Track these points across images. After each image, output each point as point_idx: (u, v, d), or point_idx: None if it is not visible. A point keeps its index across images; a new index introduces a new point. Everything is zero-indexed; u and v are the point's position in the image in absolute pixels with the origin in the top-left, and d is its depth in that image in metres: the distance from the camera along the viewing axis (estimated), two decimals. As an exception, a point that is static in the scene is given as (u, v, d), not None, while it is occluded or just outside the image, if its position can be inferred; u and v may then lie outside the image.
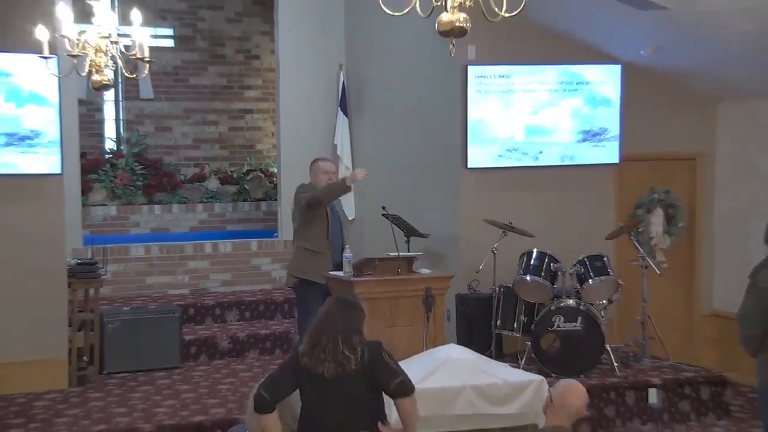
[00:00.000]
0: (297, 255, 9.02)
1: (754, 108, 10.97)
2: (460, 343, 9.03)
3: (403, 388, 5.52)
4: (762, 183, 10.80)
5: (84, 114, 12.40)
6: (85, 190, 12.38)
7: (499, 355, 9.63)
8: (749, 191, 10.94)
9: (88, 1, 6.81)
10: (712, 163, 11.41)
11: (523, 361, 9.49)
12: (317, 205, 9.02)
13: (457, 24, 4.24)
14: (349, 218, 11.01)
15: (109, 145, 13.43)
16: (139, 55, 6.78)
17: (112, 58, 6.73)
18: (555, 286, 9.69)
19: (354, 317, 5.68)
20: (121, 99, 13.43)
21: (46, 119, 9.21)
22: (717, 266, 11.36)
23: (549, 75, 10.56)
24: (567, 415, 5.22)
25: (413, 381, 7.00)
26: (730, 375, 9.79)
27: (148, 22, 7.11)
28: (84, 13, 6.83)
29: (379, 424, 5.45)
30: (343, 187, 9.23)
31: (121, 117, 13.53)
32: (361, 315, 5.74)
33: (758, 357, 6.79)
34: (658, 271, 10.13)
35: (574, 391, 5.29)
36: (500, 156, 10.46)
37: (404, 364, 7.81)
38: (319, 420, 5.48)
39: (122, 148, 13.30)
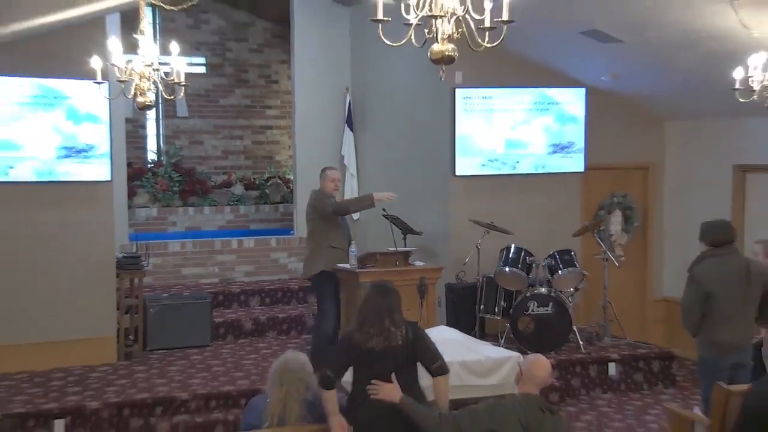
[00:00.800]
0: (325, 252, 8.87)
1: (696, 126, 11.05)
2: (449, 325, 9.08)
3: (442, 370, 5.62)
4: (702, 189, 10.90)
5: (130, 130, 12.39)
6: (131, 194, 12.33)
7: (482, 336, 9.67)
8: (691, 196, 11.03)
9: (134, 35, 6.85)
10: (661, 172, 11.49)
11: (502, 340, 9.55)
12: (343, 214, 9.10)
13: (447, 53, 4.25)
14: (354, 218, 11.06)
15: (151, 156, 13.40)
16: (176, 80, 6.77)
17: (154, 82, 6.68)
18: (530, 276, 9.75)
19: (393, 299, 5.74)
20: (161, 117, 13.39)
21: (98, 135, 9.26)
22: (665, 259, 11.46)
23: (525, 96, 10.61)
24: (534, 384, 5.28)
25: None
26: (675, 350, 9.92)
27: (184, 53, 7.10)
28: (131, 45, 6.87)
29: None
30: (370, 203, 9.18)
31: (161, 132, 13.49)
32: (397, 297, 5.80)
33: (697, 337, 6.94)
34: (617, 264, 10.23)
35: (539, 364, 5.35)
36: (483, 165, 10.51)
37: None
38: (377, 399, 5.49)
39: (162, 158, 13.28)
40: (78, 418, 7.94)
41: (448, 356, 7.32)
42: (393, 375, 5.51)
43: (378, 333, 5.57)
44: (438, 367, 5.62)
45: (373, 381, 5.50)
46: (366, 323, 5.63)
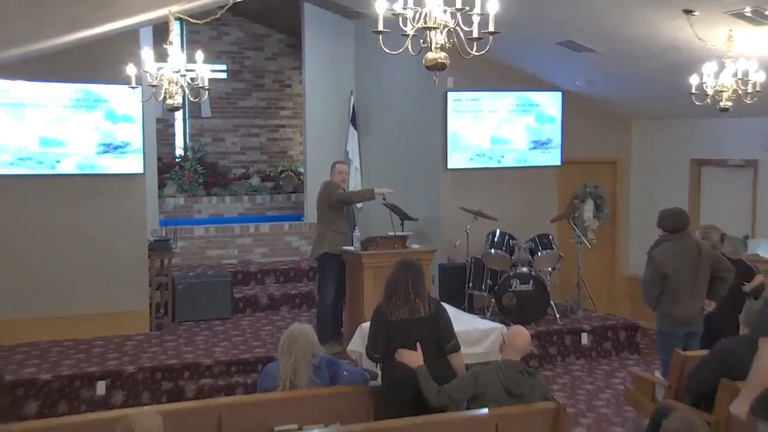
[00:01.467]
0: (329, 235, 8.91)
1: (658, 125, 11.10)
2: (441, 300, 8.95)
3: (455, 348, 5.65)
4: (663, 180, 10.95)
5: (160, 129, 12.38)
6: (161, 185, 12.35)
7: (471, 310, 9.71)
8: (654, 187, 11.08)
9: (164, 46, 6.86)
10: (628, 166, 11.53)
11: (488, 313, 9.63)
12: (348, 203, 9.12)
13: (439, 60, 4.24)
14: (358, 207, 11.10)
15: (179, 152, 13.35)
16: (200, 85, 6.78)
17: (181, 87, 6.67)
18: (513, 257, 9.78)
19: (418, 274, 5.76)
20: (187, 117, 13.35)
21: (133, 133, 9.30)
22: (631, 242, 11.51)
23: (508, 99, 10.63)
24: (515, 351, 5.34)
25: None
26: (640, 322, 9.94)
27: (207, 60, 7.12)
28: (161, 54, 6.89)
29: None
30: (371, 196, 9.24)
31: (187, 131, 13.45)
32: (421, 273, 5.83)
33: (656, 310, 7.01)
34: (589, 246, 10.31)
35: (519, 334, 5.42)
36: (471, 159, 10.54)
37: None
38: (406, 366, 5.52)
39: (188, 154, 13.26)
40: (117, 380, 8.02)
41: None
42: (418, 344, 5.54)
43: (404, 304, 5.62)
44: (452, 346, 5.66)
45: (398, 348, 5.56)
46: (393, 296, 5.67)
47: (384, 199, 9.39)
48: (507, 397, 5.21)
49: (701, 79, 7.26)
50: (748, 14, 6.78)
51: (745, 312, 5.85)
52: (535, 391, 5.29)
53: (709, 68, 7.20)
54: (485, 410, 5.17)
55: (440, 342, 5.63)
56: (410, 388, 5.43)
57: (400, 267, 5.80)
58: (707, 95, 7.25)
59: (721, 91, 7.16)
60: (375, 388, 5.80)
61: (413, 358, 5.49)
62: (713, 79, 7.18)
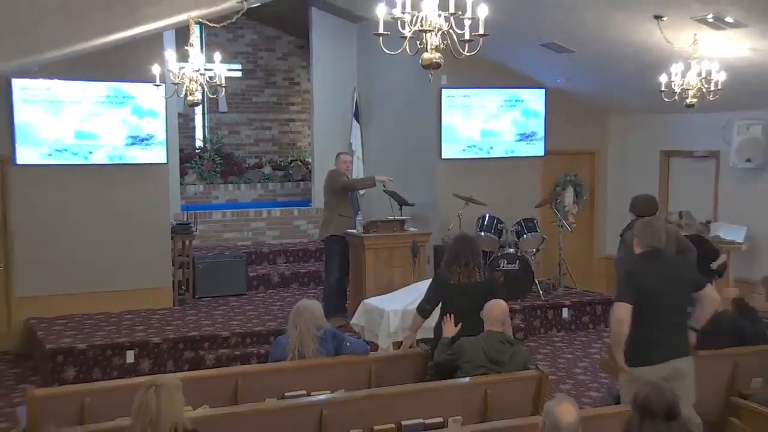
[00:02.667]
0: (334, 219, 8.87)
1: (631, 120, 11.05)
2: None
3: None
4: (636, 169, 10.90)
5: (181, 123, 12.32)
6: (182, 174, 12.23)
7: (462, 286, 9.73)
8: (628, 175, 11.03)
9: (185, 47, 6.85)
10: (604, 156, 11.47)
11: (478, 290, 9.66)
12: (351, 190, 9.10)
13: (434, 60, 4.26)
14: (361, 194, 11.06)
15: (198, 143, 13.34)
16: (218, 82, 6.80)
17: (200, 84, 6.71)
18: (501, 240, 9.79)
19: (474, 245, 5.94)
20: (206, 112, 13.29)
21: (157, 126, 9.28)
22: (608, 225, 11.42)
23: (497, 95, 10.60)
24: (493, 322, 5.36)
25: (404, 305, 7.26)
26: (614, 297, 9.94)
27: (224, 60, 7.10)
28: (183, 55, 6.87)
29: None
30: (372, 183, 9.28)
31: (206, 124, 13.40)
32: (477, 244, 6.01)
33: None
34: (569, 229, 10.29)
35: (494, 306, 5.43)
36: (463, 150, 10.51)
37: (400, 292, 8.04)
38: (459, 317, 5.62)
39: (207, 145, 13.22)
40: (144, 349, 8.04)
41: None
42: (459, 323, 5.62)
43: (463, 270, 5.76)
44: None
45: (446, 315, 5.69)
46: (454, 263, 5.81)
47: (384, 186, 9.41)
48: (489, 363, 5.23)
49: (669, 78, 7.30)
50: (711, 20, 6.88)
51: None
52: (516, 358, 5.31)
53: (676, 68, 7.25)
54: (474, 378, 5.17)
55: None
56: None
57: (458, 239, 6.02)
58: (675, 93, 7.28)
59: (687, 89, 7.23)
60: (376, 356, 5.81)
61: (448, 329, 5.61)
62: (680, 78, 7.23)
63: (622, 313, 5.08)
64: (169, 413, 3.58)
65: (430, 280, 8.26)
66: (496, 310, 5.40)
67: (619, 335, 5.12)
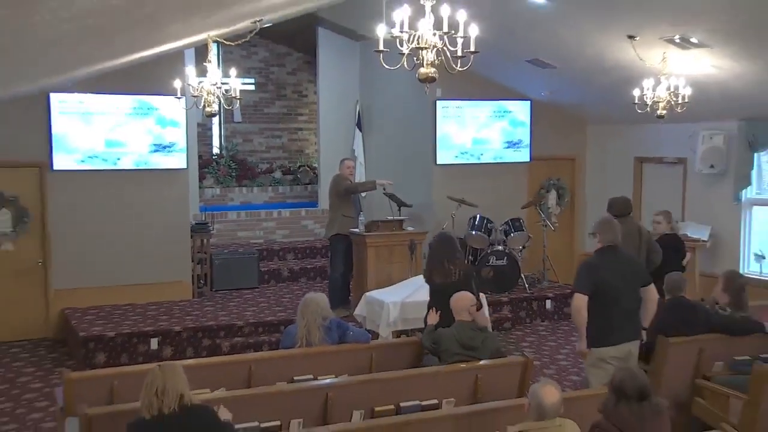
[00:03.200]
0: (339, 219, 8.83)
1: (608, 129, 11.01)
2: None
3: (477, 307, 5.58)
4: (612, 174, 10.86)
5: (200, 132, 12.28)
6: (201, 178, 12.17)
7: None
8: (605, 180, 10.97)
9: (204, 63, 6.84)
10: (584, 163, 11.43)
11: (469, 283, 9.64)
12: (354, 192, 9.04)
13: (430, 74, 4.26)
14: (363, 196, 11.02)
15: (215, 150, 13.33)
16: (233, 95, 6.79)
17: (217, 97, 6.71)
18: (490, 238, 9.76)
19: (451, 245, 6.00)
20: (222, 122, 13.23)
21: (178, 135, 9.28)
22: (587, 225, 11.20)
23: (487, 106, 10.59)
24: (460, 312, 5.38)
25: (402, 298, 7.23)
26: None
27: (239, 75, 7.11)
28: (202, 71, 6.85)
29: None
30: (373, 186, 9.25)
31: (222, 133, 13.33)
32: (455, 243, 6.05)
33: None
34: (552, 228, 10.28)
35: (458, 298, 5.43)
36: (457, 157, 10.49)
37: (398, 285, 8.02)
38: (445, 314, 5.59)
39: (223, 152, 13.17)
40: (166, 337, 8.04)
41: (428, 296, 7.30)
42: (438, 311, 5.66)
43: (442, 272, 5.84)
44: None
45: (431, 310, 5.76)
46: (433, 265, 5.87)
47: (384, 189, 9.38)
48: (464, 350, 5.22)
49: (642, 91, 7.30)
50: (678, 41, 6.93)
51: (665, 282, 5.93)
52: (487, 343, 5.30)
53: (648, 83, 7.25)
54: (465, 364, 5.17)
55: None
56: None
57: (437, 240, 6.08)
58: (647, 105, 7.28)
59: (658, 102, 7.23)
60: (377, 344, 5.80)
61: (431, 317, 5.68)
62: (651, 92, 7.24)
63: (579, 302, 5.29)
64: (173, 385, 3.72)
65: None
66: (461, 301, 5.41)
67: (578, 322, 5.37)
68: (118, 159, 9.03)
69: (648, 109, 7.26)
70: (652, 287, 5.53)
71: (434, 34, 4.22)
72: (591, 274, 5.32)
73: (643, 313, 5.47)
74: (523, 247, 10.02)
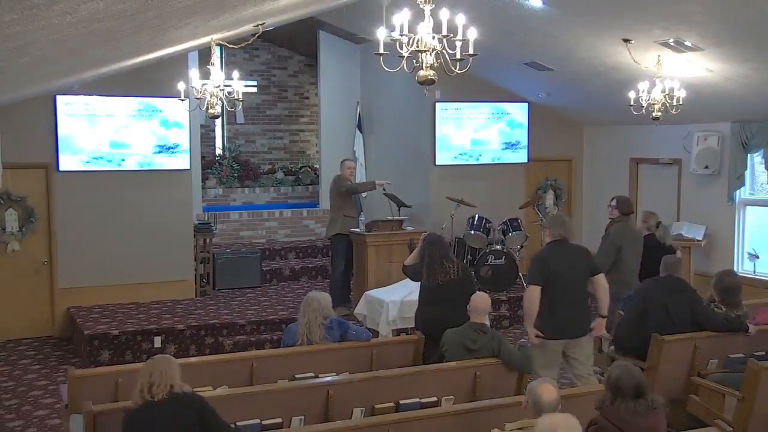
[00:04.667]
0: (339, 219, 8.79)
1: (604, 130, 10.99)
2: None
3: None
4: (608, 175, 10.84)
5: (203, 133, 12.26)
6: (204, 179, 12.16)
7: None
8: (600, 180, 10.98)
9: (207, 66, 6.82)
10: (580, 163, 11.41)
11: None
12: (354, 193, 9.03)
13: (429, 77, 4.24)
14: (363, 196, 11.03)
15: (218, 151, 13.34)
16: (236, 97, 6.77)
17: (220, 99, 6.66)
18: (488, 237, 9.74)
19: (444, 245, 6.02)
20: (225, 123, 13.25)
21: (181, 136, 9.26)
22: (583, 223, 11.34)
23: (485, 108, 10.57)
24: (477, 313, 5.33)
25: (402, 297, 7.21)
26: (588, 289, 9.90)
27: (242, 78, 7.10)
28: (205, 73, 6.83)
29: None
30: (373, 187, 9.23)
31: (225, 134, 13.33)
32: (445, 243, 6.06)
33: (607, 276, 6.98)
34: (549, 228, 10.26)
35: (478, 298, 5.40)
36: (455, 157, 10.47)
37: (398, 285, 8.00)
38: (439, 314, 5.63)
39: (225, 153, 13.18)
40: (170, 335, 8.04)
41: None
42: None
43: (440, 271, 5.82)
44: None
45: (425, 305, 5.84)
46: (433, 266, 5.84)
47: (384, 189, 9.38)
48: (464, 351, 5.18)
49: (637, 94, 7.29)
50: (672, 44, 6.94)
51: (662, 263, 6.06)
52: (488, 345, 5.23)
53: (643, 85, 7.25)
54: (464, 362, 5.15)
55: (466, 302, 5.54)
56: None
57: (428, 241, 6.04)
58: (642, 107, 7.27)
59: (653, 104, 7.22)
60: (377, 342, 5.80)
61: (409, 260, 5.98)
62: (646, 94, 7.23)
63: (533, 293, 5.51)
64: (164, 375, 3.83)
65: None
66: (479, 302, 5.37)
67: (530, 313, 5.57)
68: (123, 160, 9.01)
69: (643, 110, 7.26)
70: (602, 276, 5.75)
71: (433, 38, 4.21)
72: (542, 266, 5.52)
73: (599, 301, 5.71)
74: (521, 247, 10.00)
